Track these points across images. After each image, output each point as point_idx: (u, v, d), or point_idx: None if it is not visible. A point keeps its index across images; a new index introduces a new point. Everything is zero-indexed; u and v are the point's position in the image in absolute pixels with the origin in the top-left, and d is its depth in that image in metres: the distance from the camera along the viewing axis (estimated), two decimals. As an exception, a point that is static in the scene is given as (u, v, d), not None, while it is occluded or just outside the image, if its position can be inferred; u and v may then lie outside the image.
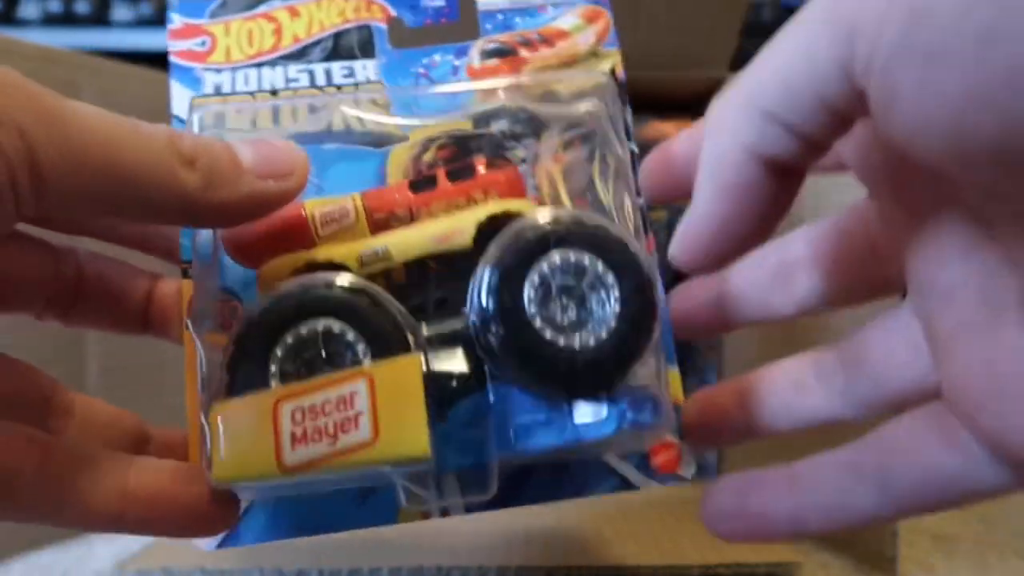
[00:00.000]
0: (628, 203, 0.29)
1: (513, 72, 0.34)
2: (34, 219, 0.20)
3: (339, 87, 0.33)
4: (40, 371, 0.26)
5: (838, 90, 0.18)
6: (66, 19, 1.36)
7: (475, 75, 0.34)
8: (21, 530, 0.47)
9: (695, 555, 0.41)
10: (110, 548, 0.48)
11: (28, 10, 1.37)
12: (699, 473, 0.59)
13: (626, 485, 0.30)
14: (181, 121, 0.32)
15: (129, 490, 0.22)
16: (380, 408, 0.22)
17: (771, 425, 0.26)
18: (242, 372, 0.22)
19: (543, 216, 0.24)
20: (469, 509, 0.27)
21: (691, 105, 0.69)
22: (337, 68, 0.33)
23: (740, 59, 0.61)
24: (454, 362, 0.25)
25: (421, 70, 0.33)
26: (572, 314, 0.24)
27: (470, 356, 0.25)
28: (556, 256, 0.24)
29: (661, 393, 0.25)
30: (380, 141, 0.31)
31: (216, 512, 0.23)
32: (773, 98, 0.19)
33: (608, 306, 0.24)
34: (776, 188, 0.20)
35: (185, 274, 0.29)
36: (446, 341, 0.25)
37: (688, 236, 0.21)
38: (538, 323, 0.23)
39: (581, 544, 0.44)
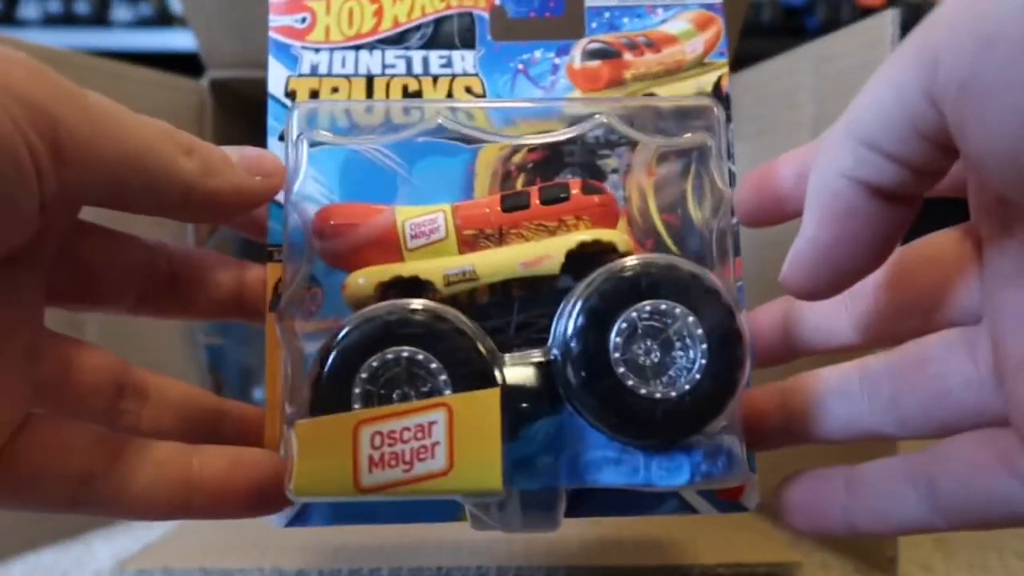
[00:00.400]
0: (720, 223, 0.28)
1: (614, 75, 0.33)
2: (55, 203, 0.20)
3: (435, 77, 0.32)
4: (109, 353, 0.26)
5: (927, 118, 0.18)
6: (66, 19, 1.36)
7: (575, 76, 0.33)
8: (21, 530, 0.47)
9: (695, 555, 0.41)
10: (110, 548, 0.48)
11: (28, 10, 1.37)
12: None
13: (686, 508, 0.30)
14: (275, 100, 0.31)
15: (193, 481, 0.23)
16: (457, 439, 0.22)
17: (810, 432, 0.26)
18: (326, 391, 0.23)
19: (637, 260, 0.24)
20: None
21: None
22: (435, 57, 0.32)
23: (740, 59, 0.58)
24: (532, 384, 0.25)
25: (520, 66, 0.33)
26: (656, 362, 0.23)
27: (547, 380, 0.25)
28: (647, 304, 0.23)
29: (736, 443, 0.24)
30: (471, 138, 0.31)
31: (277, 496, 0.24)
32: (868, 126, 0.19)
33: (695, 357, 0.23)
34: (883, 215, 0.20)
35: (271, 257, 0.29)
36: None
37: (795, 263, 0.22)
38: (621, 370, 0.23)
39: (581, 544, 0.44)
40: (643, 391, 0.23)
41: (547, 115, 0.31)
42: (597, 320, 0.23)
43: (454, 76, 0.32)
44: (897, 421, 0.24)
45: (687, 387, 0.23)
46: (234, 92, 0.45)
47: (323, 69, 0.32)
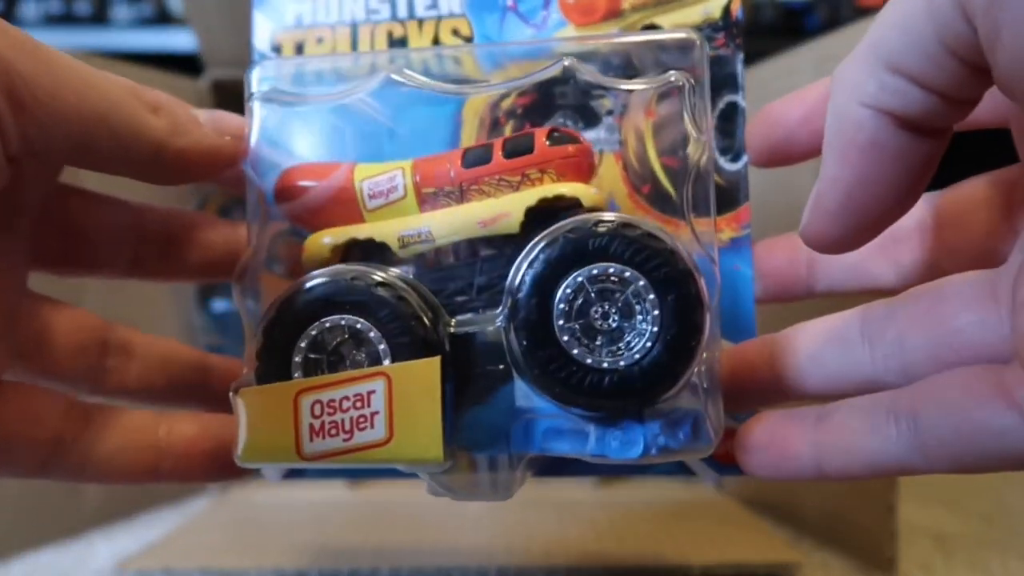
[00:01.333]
0: (697, 167, 0.25)
1: (611, 6, 0.30)
2: (18, 157, 0.20)
3: (421, 21, 0.31)
4: (91, 314, 0.26)
5: (959, 32, 0.16)
6: (66, 19, 1.36)
7: (568, 9, 0.30)
8: (21, 530, 0.47)
9: (695, 555, 0.41)
10: (110, 548, 0.48)
11: (28, 10, 1.37)
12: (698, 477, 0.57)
13: (683, 470, 0.29)
14: (262, 56, 0.31)
15: (161, 446, 0.24)
16: (396, 409, 0.22)
17: (799, 384, 0.23)
18: (268, 359, 0.23)
19: (585, 219, 0.22)
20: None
21: None
22: (420, -1, 0.31)
23: None
24: (487, 351, 0.24)
25: (509, 2, 0.31)
26: (609, 329, 0.22)
27: (504, 341, 0.24)
28: (594, 268, 0.22)
29: (706, 412, 0.23)
30: (459, 83, 0.30)
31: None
32: (894, 46, 0.17)
33: (647, 325, 0.22)
34: (911, 149, 0.18)
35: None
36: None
37: (817, 209, 0.20)
38: (566, 338, 0.22)
39: (581, 544, 0.44)
40: (588, 360, 0.22)
41: (538, 55, 0.29)
42: (540, 285, 0.22)
43: (440, 18, 0.31)
44: (900, 368, 0.22)
45: (637, 356, 0.21)
46: (234, 92, 0.45)
47: (307, 19, 0.31)
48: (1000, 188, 0.23)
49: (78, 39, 1.31)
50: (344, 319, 0.23)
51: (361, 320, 0.23)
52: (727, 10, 0.29)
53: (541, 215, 0.24)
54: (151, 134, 0.23)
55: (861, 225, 0.20)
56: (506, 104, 0.29)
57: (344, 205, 0.26)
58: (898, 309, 0.22)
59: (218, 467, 0.25)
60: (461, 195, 0.25)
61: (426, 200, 0.25)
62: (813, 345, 0.23)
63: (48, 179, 0.25)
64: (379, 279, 0.23)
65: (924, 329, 0.21)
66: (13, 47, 0.20)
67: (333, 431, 0.22)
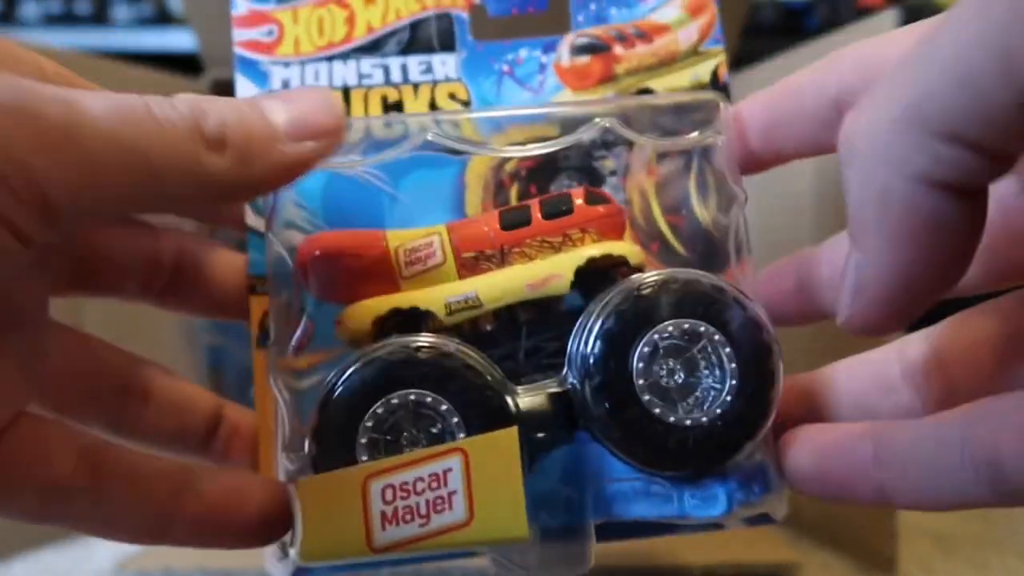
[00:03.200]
0: (729, 221, 0.26)
1: (605, 71, 0.31)
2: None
3: (416, 85, 0.30)
4: (117, 349, 0.25)
5: None
6: (66, 19, 1.35)
7: (563, 74, 0.31)
8: (21, 530, 0.47)
9: (695, 555, 0.41)
10: (110, 548, 0.47)
11: (28, 10, 1.35)
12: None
13: (713, 524, 0.28)
14: (247, 121, 0.29)
15: (177, 513, 0.22)
16: (475, 486, 0.21)
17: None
18: (329, 443, 0.21)
19: (655, 276, 0.22)
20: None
21: None
22: (414, 63, 0.30)
23: (740, 59, 0.59)
24: (543, 412, 0.23)
25: (505, 67, 0.31)
26: (682, 385, 0.22)
27: (561, 406, 0.23)
28: (669, 325, 0.22)
29: (771, 460, 0.23)
30: (460, 150, 0.29)
31: (268, 525, 0.23)
32: (952, 112, 0.15)
33: (724, 377, 0.22)
34: (968, 216, 0.16)
35: (252, 290, 0.28)
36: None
37: (863, 298, 0.18)
38: (647, 397, 0.21)
39: None
40: (671, 419, 0.21)
41: (538, 120, 0.29)
42: (617, 345, 0.22)
43: (435, 82, 0.30)
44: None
45: (718, 411, 0.21)
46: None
47: (295, 83, 0.30)
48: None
49: (78, 39, 1.26)
50: (413, 393, 0.21)
51: (431, 394, 0.21)
52: (715, 74, 0.31)
53: (590, 275, 0.24)
54: (211, 178, 0.20)
55: (918, 305, 0.18)
56: (510, 166, 0.29)
57: (378, 274, 0.24)
58: (939, 350, 0.22)
59: (238, 537, 0.23)
60: (502, 258, 0.25)
61: (465, 265, 0.25)
62: (854, 387, 0.23)
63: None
64: (444, 349, 0.22)
65: (967, 372, 0.21)
66: (43, 148, 0.17)
67: (408, 517, 0.20)
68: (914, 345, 0.23)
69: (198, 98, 0.20)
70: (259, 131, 0.21)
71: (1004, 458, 0.18)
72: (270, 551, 0.25)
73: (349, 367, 0.21)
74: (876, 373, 0.23)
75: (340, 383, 0.21)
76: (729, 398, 0.21)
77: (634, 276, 0.23)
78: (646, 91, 0.31)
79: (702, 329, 0.22)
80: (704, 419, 0.21)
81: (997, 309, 0.22)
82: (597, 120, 0.26)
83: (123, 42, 1.28)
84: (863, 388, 0.23)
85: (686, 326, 0.22)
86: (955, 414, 0.19)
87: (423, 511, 0.20)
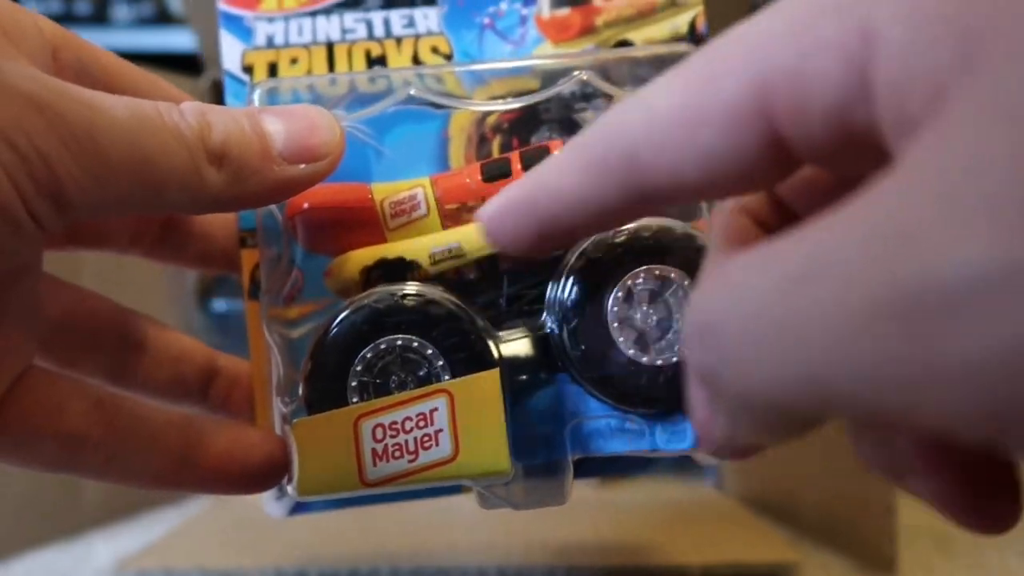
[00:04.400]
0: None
1: (585, 23, 0.31)
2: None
3: (399, 39, 0.31)
4: (114, 302, 0.26)
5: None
6: (66, 19, 1.32)
7: (544, 26, 0.31)
8: (21, 530, 0.47)
9: (695, 555, 0.41)
10: (110, 547, 0.48)
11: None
12: (699, 474, 0.57)
13: (686, 462, 0.30)
14: (232, 77, 0.30)
15: (188, 458, 0.23)
16: (460, 424, 0.22)
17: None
18: (321, 386, 0.22)
19: (629, 226, 0.23)
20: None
21: None
22: (396, 17, 0.31)
23: None
24: (525, 357, 0.25)
25: (486, 19, 0.31)
26: (655, 328, 0.23)
27: (541, 350, 0.25)
28: (642, 269, 0.23)
29: None
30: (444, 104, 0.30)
31: (270, 474, 0.24)
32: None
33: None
34: None
35: (243, 243, 0.29)
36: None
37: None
38: (621, 339, 0.23)
39: (581, 544, 0.44)
40: (644, 359, 0.23)
41: (520, 72, 0.30)
42: (592, 290, 0.23)
43: (418, 36, 0.31)
44: None
45: (688, 351, 0.23)
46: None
47: (279, 39, 0.30)
48: None
49: None
50: (400, 339, 0.22)
51: (418, 339, 0.22)
52: (692, 25, 0.31)
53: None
54: (208, 190, 0.21)
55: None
56: (491, 120, 0.30)
57: (365, 226, 0.25)
58: None
59: (244, 483, 0.24)
60: (484, 208, 0.26)
61: (448, 216, 0.26)
62: None
63: None
64: (430, 297, 0.23)
65: None
66: (65, 145, 0.18)
67: (397, 453, 0.22)
68: None
69: (203, 108, 0.21)
70: (256, 149, 0.22)
71: None
72: (267, 492, 0.26)
73: (339, 314, 0.22)
74: None
75: (331, 329, 0.22)
76: (699, 339, 0.23)
77: None
78: (625, 42, 0.32)
79: (673, 275, 0.23)
80: (674, 359, 0.23)
81: None
82: (576, 73, 0.26)
83: (123, 42, 1.26)
84: None
85: (658, 272, 0.23)
86: None
87: (411, 448, 0.22)
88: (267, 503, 0.29)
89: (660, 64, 0.28)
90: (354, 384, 0.22)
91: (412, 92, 0.26)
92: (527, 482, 0.24)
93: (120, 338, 0.26)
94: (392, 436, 0.22)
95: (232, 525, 0.48)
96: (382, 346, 0.22)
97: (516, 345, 0.24)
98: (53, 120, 0.18)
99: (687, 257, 0.23)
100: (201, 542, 0.45)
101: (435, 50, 0.31)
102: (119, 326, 0.26)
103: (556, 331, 0.23)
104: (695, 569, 0.40)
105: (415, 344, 0.22)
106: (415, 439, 0.22)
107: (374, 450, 0.22)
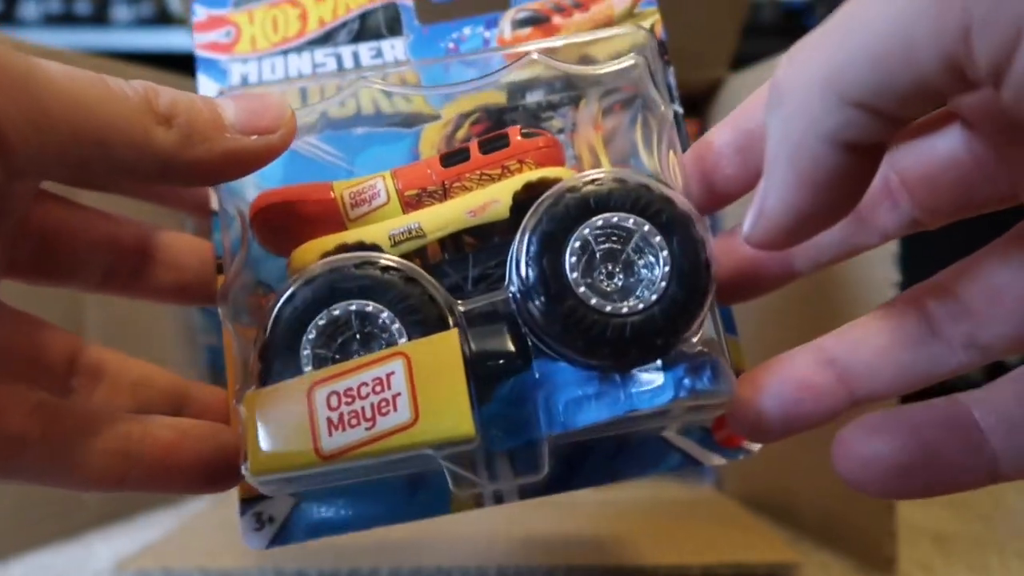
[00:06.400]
0: (676, 166, 0.27)
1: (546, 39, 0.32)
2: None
3: (368, 70, 0.32)
4: (64, 331, 0.25)
5: (943, 81, 0.16)
6: (66, 19, 1.34)
7: (507, 45, 0.32)
8: (21, 530, 0.47)
9: (695, 555, 0.41)
10: (109, 548, 0.48)
11: (28, 10, 1.34)
12: (699, 475, 0.57)
13: (689, 462, 0.28)
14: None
15: (132, 452, 0.22)
16: (419, 388, 0.21)
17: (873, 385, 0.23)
18: (274, 358, 0.22)
19: (582, 178, 0.23)
20: (524, 494, 0.26)
21: (691, 105, 0.67)
22: (365, 50, 0.32)
23: (740, 59, 0.61)
24: (496, 340, 0.24)
25: (451, 44, 0.32)
26: (619, 278, 0.22)
27: (513, 333, 0.24)
28: (599, 219, 0.22)
29: (721, 357, 0.23)
30: (411, 121, 0.30)
31: (225, 473, 0.23)
32: (863, 84, 0.17)
33: (657, 268, 0.22)
34: (858, 169, 0.18)
35: (220, 270, 0.29)
36: (487, 318, 0.24)
37: (765, 225, 0.19)
38: (582, 290, 0.22)
39: (581, 544, 0.44)
40: (608, 308, 0.22)
41: (485, 84, 0.30)
42: (549, 243, 0.22)
43: (386, 65, 0.32)
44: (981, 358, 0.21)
45: (654, 298, 0.22)
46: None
47: (253, 78, 0.32)
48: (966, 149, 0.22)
49: (78, 39, 1.27)
50: (353, 304, 0.22)
51: (371, 303, 0.22)
52: (651, 31, 0.32)
53: (528, 199, 0.25)
54: (156, 150, 0.21)
55: (807, 236, 0.20)
56: (460, 134, 0.30)
57: (326, 219, 0.25)
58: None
59: (196, 478, 0.23)
60: (444, 193, 0.26)
61: (409, 203, 0.26)
62: (882, 342, 0.23)
63: (29, 193, 0.23)
64: (385, 263, 0.22)
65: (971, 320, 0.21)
66: (2, 86, 0.18)
67: (354, 421, 0.21)
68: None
69: (150, 82, 0.22)
70: (207, 116, 0.22)
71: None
72: (245, 523, 0.25)
73: (290, 286, 0.22)
74: (898, 328, 0.23)
75: (281, 300, 0.22)
76: (664, 284, 0.22)
77: (564, 180, 0.23)
78: (587, 58, 0.33)
79: (631, 222, 0.22)
80: (641, 305, 0.22)
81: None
82: (531, 55, 0.27)
83: (123, 42, 1.27)
84: (889, 341, 0.22)
85: (615, 219, 0.22)
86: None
87: (368, 414, 0.21)
88: (245, 535, 0.27)
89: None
90: (307, 353, 0.21)
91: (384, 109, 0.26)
92: (500, 461, 0.23)
93: (67, 361, 0.25)
94: (348, 403, 0.21)
95: (231, 525, 0.47)
96: (335, 312, 0.22)
97: (486, 332, 0.23)
98: None
99: (644, 204, 0.22)
100: (200, 542, 0.45)
101: (404, 82, 0.32)
102: (67, 350, 0.25)
103: (516, 292, 0.22)
104: (695, 569, 0.39)
105: (369, 309, 0.22)
106: (372, 404, 0.21)
107: (329, 419, 0.21)
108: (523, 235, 0.23)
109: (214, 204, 0.29)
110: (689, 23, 0.54)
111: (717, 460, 0.28)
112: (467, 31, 0.32)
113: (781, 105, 0.18)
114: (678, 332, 0.22)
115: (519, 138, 0.26)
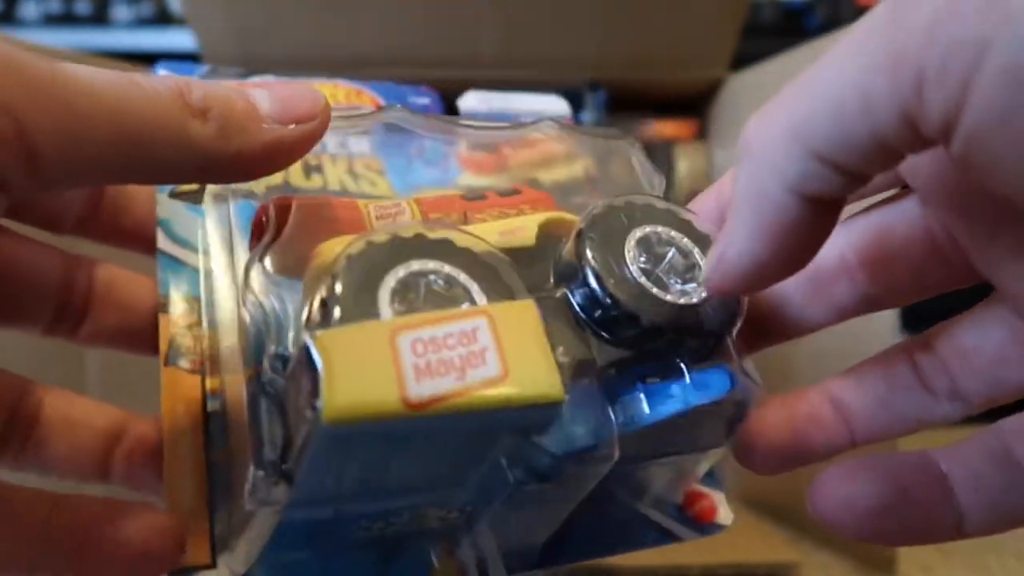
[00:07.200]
0: None
1: (498, 163, 0.35)
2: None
3: (333, 156, 0.32)
4: (11, 374, 0.23)
5: (899, 135, 0.17)
6: (66, 19, 1.35)
7: (464, 161, 0.35)
8: None
9: (695, 555, 0.40)
10: None
11: (28, 10, 1.35)
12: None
13: (666, 537, 0.28)
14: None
15: (52, 537, 0.20)
16: (505, 346, 0.20)
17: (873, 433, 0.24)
18: (348, 303, 0.19)
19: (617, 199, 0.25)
20: (511, 570, 0.24)
21: (691, 105, 0.71)
22: (331, 139, 0.33)
23: (740, 59, 0.63)
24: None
25: (414, 151, 0.34)
26: (670, 272, 0.23)
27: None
28: (648, 226, 0.24)
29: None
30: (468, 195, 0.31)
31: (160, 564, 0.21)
32: (823, 139, 0.17)
33: (697, 274, 0.24)
34: (818, 222, 0.19)
35: (164, 308, 0.26)
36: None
37: (724, 269, 0.20)
38: (640, 278, 0.23)
39: None
40: (668, 296, 0.23)
41: (444, 183, 0.32)
42: (605, 241, 0.23)
43: (351, 155, 0.33)
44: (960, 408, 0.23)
45: (703, 294, 0.23)
46: None
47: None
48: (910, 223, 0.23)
49: (78, 39, 1.28)
50: (431, 262, 0.20)
51: (449, 265, 0.21)
52: (585, 170, 0.37)
53: (550, 231, 0.26)
54: (195, 144, 0.20)
55: (762, 284, 0.21)
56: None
57: (352, 224, 0.24)
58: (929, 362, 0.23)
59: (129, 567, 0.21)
60: (465, 222, 0.26)
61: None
62: (879, 388, 0.24)
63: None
64: (451, 235, 0.22)
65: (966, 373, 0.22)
66: (31, 95, 0.17)
67: (443, 369, 0.18)
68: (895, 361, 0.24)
69: (181, 76, 0.21)
70: (242, 107, 0.21)
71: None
72: None
73: (369, 237, 0.20)
74: (890, 375, 0.24)
75: (363, 246, 0.20)
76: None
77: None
78: (535, 181, 0.36)
79: (673, 234, 0.24)
80: (695, 299, 0.23)
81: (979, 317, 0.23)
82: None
83: (123, 42, 1.29)
84: (885, 389, 0.24)
85: (660, 230, 0.24)
86: (986, 431, 0.22)
87: (458, 364, 0.19)
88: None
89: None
90: (385, 299, 0.19)
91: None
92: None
93: (10, 411, 0.23)
94: (435, 352, 0.19)
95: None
96: (415, 267, 0.20)
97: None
98: (12, 71, 0.17)
99: (677, 220, 0.25)
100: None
101: (368, 167, 0.33)
102: (8, 399, 0.23)
103: (576, 285, 0.23)
104: (695, 569, 0.38)
105: (447, 268, 0.21)
106: (460, 356, 0.19)
107: (416, 365, 0.18)
108: (576, 239, 0.23)
109: (160, 243, 0.27)
110: (689, 23, 0.57)
111: (691, 536, 0.28)
112: (428, 143, 0.35)
113: (749, 156, 0.19)
114: (727, 330, 0.23)
115: (527, 188, 0.28)
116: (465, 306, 0.20)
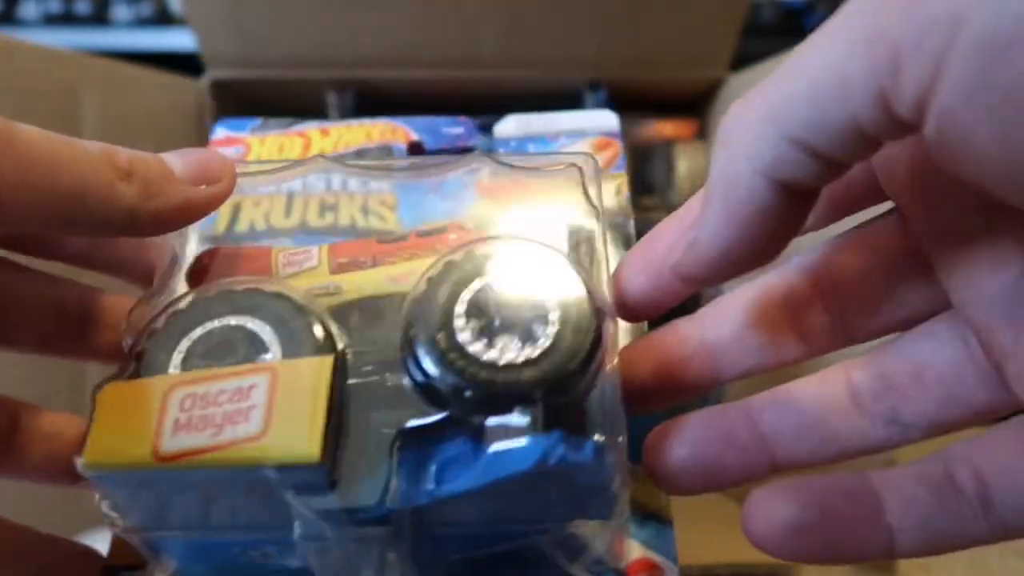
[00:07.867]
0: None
1: (517, 191, 0.35)
2: None
3: (352, 193, 0.35)
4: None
5: (875, 118, 0.16)
6: (66, 19, 1.32)
7: (484, 189, 0.35)
8: None
9: (695, 555, 0.39)
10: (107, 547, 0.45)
11: (28, 10, 1.31)
12: None
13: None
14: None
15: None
16: (278, 404, 0.20)
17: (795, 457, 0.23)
18: (147, 358, 0.21)
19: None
20: None
21: (691, 105, 0.71)
22: (353, 179, 0.35)
23: (740, 59, 0.62)
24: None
25: (431, 185, 0.35)
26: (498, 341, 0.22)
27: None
28: (479, 281, 0.22)
29: (618, 455, 0.21)
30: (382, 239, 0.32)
31: None
32: (798, 123, 0.17)
33: (547, 328, 0.21)
34: (790, 210, 0.18)
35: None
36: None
37: (695, 255, 0.20)
38: (467, 342, 0.21)
39: None
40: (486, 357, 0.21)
41: (456, 213, 0.32)
42: (434, 300, 0.22)
43: (369, 192, 0.35)
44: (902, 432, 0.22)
45: (536, 353, 0.21)
46: (234, 92, 0.47)
47: (248, 189, 0.35)
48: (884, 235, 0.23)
49: (78, 39, 1.24)
50: (236, 318, 0.22)
51: (254, 320, 0.22)
52: (619, 188, 0.34)
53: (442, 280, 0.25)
54: (123, 203, 0.22)
55: (731, 273, 0.20)
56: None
57: (256, 265, 0.26)
58: (880, 378, 0.22)
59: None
60: (373, 265, 0.26)
61: (339, 269, 0.26)
62: (808, 409, 0.22)
63: None
64: (276, 290, 0.23)
65: (918, 395, 0.22)
66: None
67: (201, 425, 0.20)
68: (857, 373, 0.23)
69: (106, 143, 0.24)
70: (160, 170, 0.24)
71: (992, 491, 0.20)
72: None
73: (184, 295, 0.22)
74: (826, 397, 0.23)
75: (170, 306, 0.22)
76: (548, 342, 0.21)
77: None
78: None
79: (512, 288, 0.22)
80: (519, 360, 0.21)
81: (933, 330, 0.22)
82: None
83: (123, 42, 1.25)
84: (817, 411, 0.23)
85: (499, 283, 0.22)
86: (927, 459, 0.21)
87: (218, 421, 0.20)
88: None
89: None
90: (178, 360, 0.21)
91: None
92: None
93: None
94: (201, 408, 0.20)
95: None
96: (217, 323, 0.22)
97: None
98: None
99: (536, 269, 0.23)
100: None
101: (382, 203, 0.35)
102: None
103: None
104: (694, 569, 0.38)
105: (250, 325, 0.22)
106: (224, 413, 0.20)
107: (177, 420, 0.20)
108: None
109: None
110: (689, 23, 0.56)
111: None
112: (450, 175, 0.35)
113: (726, 141, 0.19)
114: (559, 382, 0.21)
115: (456, 224, 0.27)
116: (260, 361, 0.21)
